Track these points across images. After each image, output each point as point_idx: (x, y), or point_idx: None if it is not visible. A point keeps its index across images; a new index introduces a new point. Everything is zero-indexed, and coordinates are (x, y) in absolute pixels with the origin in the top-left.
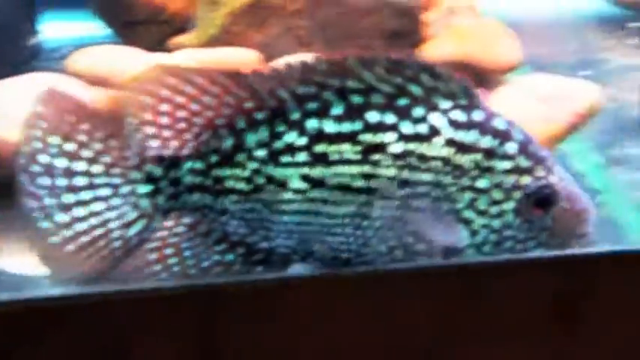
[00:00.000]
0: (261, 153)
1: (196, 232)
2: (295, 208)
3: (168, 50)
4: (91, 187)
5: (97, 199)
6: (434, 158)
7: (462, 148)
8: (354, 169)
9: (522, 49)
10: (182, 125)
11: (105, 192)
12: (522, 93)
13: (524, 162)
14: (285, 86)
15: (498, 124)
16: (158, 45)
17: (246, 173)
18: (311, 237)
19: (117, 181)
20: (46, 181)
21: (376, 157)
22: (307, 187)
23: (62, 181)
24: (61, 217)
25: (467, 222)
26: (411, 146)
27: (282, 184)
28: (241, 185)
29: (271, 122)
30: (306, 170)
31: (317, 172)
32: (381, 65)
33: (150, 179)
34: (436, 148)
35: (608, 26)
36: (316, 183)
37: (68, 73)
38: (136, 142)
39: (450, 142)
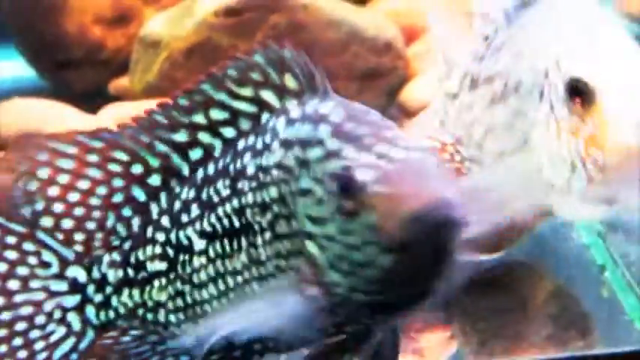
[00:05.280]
0: (165, 221)
1: (143, 341)
2: (208, 277)
3: (108, 96)
4: (11, 306)
5: (18, 318)
6: (273, 167)
7: (287, 144)
8: (228, 207)
9: None
10: (81, 211)
11: (27, 310)
12: None
13: (333, 144)
14: (159, 137)
15: (322, 108)
16: (96, 90)
17: (158, 249)
18: (240, 311)
19: (39, 296)
20: None
21: (239, 185)
22: (205, 245)
23: None
24: None
25: (310, 237)
26: (259, 161)
27: (189, 250)
28: (159, 265)
29: (167, 184)
30: (199, 224)
31: (206, 223)
32: (231, 78)
33: (75, 288)
34: (273, 154)
35: None
36: (209, 236)
37: None
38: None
39: (282, 143)
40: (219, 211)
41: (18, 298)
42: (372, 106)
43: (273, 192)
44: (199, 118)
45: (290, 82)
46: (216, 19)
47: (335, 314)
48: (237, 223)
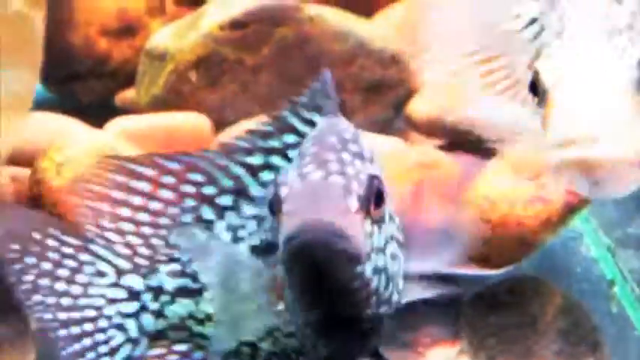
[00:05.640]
0: (227, 236)
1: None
2: (246, 292)
3: (115, 108)
4: (76, 308)
5: (84, 320)
6: None
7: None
8: (269, 221)
9: None
10: (147, 230)
11: (91, 313)
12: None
13: (295, 160)
14: (235, 160)
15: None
16: (103, 102)
17: (218, 259)
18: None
19: (99, 302)
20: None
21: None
22: (256, 259)
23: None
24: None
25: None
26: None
27: (239, 262)
28: (214, 277)
29: (236, 204)
30: (254, 240)
31: (256, 238)
32: (303, 104)
33: (132, 295)
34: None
35: None
36: (259, 251)
37: None
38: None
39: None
40: (265, 225)
41: (81, 302)
42: (378, 119)
43: None
44: (275, 143)
45: (325, 103)
46: (221, 32)
47: (302, 332)
48: (271, 237)
